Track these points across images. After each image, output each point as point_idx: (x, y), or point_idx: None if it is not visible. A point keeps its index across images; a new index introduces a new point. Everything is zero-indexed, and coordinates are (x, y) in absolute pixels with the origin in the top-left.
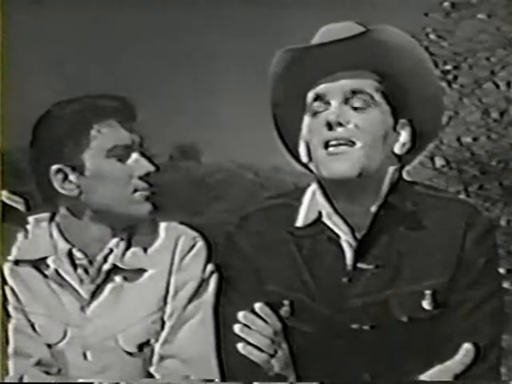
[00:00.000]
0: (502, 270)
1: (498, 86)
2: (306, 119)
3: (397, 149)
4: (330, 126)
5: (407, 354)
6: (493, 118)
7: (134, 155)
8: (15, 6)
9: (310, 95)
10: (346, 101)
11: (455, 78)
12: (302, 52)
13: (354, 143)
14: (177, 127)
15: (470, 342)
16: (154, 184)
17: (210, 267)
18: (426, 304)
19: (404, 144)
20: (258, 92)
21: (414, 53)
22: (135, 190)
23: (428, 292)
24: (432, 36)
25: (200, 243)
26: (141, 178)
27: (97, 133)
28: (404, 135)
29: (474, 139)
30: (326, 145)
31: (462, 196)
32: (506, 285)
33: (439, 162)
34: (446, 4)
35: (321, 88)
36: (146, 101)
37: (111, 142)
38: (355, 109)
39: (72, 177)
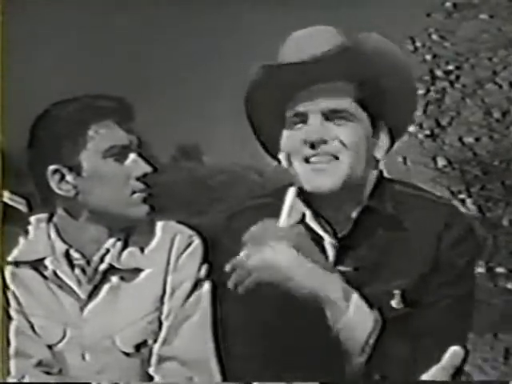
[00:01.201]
0: (503, 270)
1: (500, 86)
2: (285, 133)
3: (377, 153)
4: (312, 146)
5: (383, 353)
6: (495, 118)
7: (132, 156)
8: (15, 6)
9: (289, 113)
10: (326, 118)
11: (457, 78)
12: (278, 68)
13: (337, 158)
14: (179, 128)
15: (456, 345)
16: (151, 185)
17: (205, 267)
18: (394, 303)
19: (384, 147)
20: None
21: (391, 57)
22: (133, 192)
23: (397, 291)
24: (434, 36)
25: (196, 242)
26: (138, 179)
27: (94, 133)
28: (383, 138)
29: (476, 139)
30: (307, 159)
31: (443, 196)
32: (509, 286)
33: (441, 162)
34: (447, 4)
35: (299, 107)
36: (149, 101)
37: (108, 142)
38: (336, 124)
39: (69, 177)
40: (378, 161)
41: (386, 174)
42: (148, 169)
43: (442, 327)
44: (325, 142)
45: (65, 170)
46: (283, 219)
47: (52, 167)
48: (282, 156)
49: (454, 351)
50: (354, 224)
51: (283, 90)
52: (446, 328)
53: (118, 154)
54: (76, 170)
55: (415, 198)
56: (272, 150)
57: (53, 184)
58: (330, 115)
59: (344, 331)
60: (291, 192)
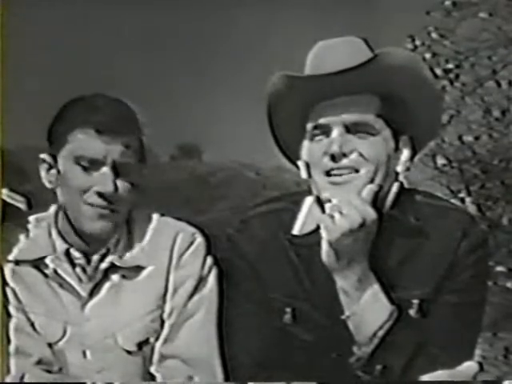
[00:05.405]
0: (503, 269)
1: (499, 85)
2: (306, 144)
3: (399, 168)
4: (333, 158)
5: (389, 345)
6: (494, 117)
7: (104, 169)
8: (15, 5)
9: (311, 124)
10: (348, 130)
11: (457, 76)
12: (302, 79)
13: (357, 171)
14: (179, 127)
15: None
16: (112, 202)
17: (209, 261)
18: (412, 312)
19: (405, 161)
20: (260, 91)
21: (416, 72)
22: (89, 204)
23: (415, 301)
24: (434, 35)
25: (199, 239)
26: (100, 195)
27: (73, 137)
28: (406, 153)
29: (476, 138)
30: (328, 172)
31: (461, 204)
32: (509, 284)
33: (440, 161)
34: (447, 3)
35: (322, 119)
36: (149, 101)
37: (80, 151)
38: (358, 137)
39: (53, 170)
40: (397, 173)
41: (405, 184)
42: (110, 188)
43: (451, 332)
44: (345, 154)
45: (52, 162)
46: (298, 227)
47: (42, 155)
48: (301, 166)
49: (469, 365)
50: (376, 234)
51: (306, 101)
52: (454, 334)
53: (86, 165)
54: (56, 165)
55: (435, 208)
56: (292, 157)
57: (42, 172)
58: (351, 128)
59: (353, 318)
60: (308, 201)
